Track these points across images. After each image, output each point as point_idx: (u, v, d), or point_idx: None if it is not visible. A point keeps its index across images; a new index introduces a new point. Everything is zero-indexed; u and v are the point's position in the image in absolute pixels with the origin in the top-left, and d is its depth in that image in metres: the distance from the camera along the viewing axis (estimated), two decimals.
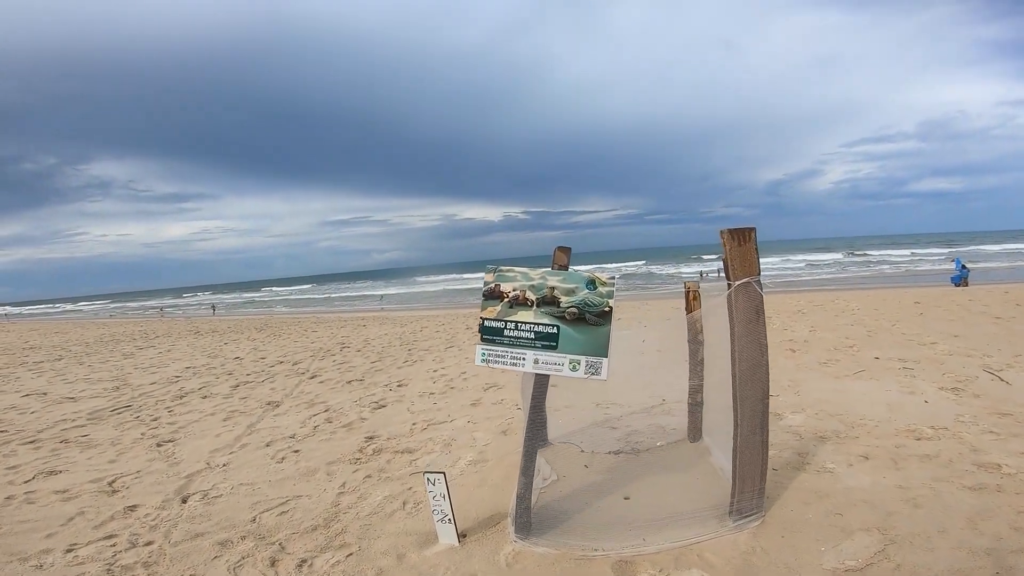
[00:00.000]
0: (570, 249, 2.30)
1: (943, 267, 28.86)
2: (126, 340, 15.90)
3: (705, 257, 56.06)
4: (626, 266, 54.77)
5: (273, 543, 2.90)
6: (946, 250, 43.57)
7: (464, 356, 8.68)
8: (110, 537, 3.09)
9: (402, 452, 4.29)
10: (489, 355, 2.39)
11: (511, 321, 2.34)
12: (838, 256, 46.11)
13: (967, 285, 18.75)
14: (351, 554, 2.74)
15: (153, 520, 3.28)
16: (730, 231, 2.21)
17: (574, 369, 2.30)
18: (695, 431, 3.80)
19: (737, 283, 2.19)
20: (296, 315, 28.39)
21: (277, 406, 6.09)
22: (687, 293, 3.39)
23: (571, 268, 2.37)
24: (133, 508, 3.47)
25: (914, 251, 45.70)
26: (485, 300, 2.39)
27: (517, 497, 2.55)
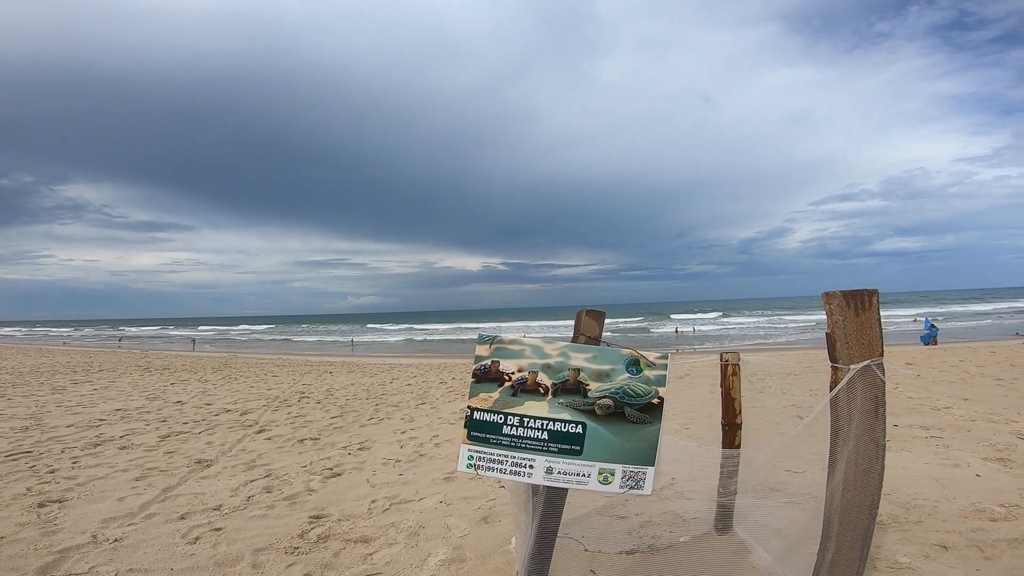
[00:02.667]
0: (604, 314, 1.62)
1: (911, 327, 29.46)
2: (65, 372, 14.46)
3: (674, 316, 56.82)
4: (620, 322, 54.36)
5: None
6: (914, 311, 44.78)
7: (437, 416, 7.81)
8: None
9: (356, 541, 3.39)
10: (479, 459, 1.64)
11: (514, 415, 1.62)
12: (813, 317, 46.48)
13: (936, 344, 19.05)
14: None
15: None
16: (843, 294, 1.55)
17: (605, 482, 1.59)
18: (724, 521, 3.08)
19: (854, 367, 1.53)
20: (260, 356, 26.79)
21: (208, 466, 5.11)
22: (724, 367, 2.73)
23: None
24: None
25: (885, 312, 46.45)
26: (476, 383, 1.66)
27: None
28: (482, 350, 1.67)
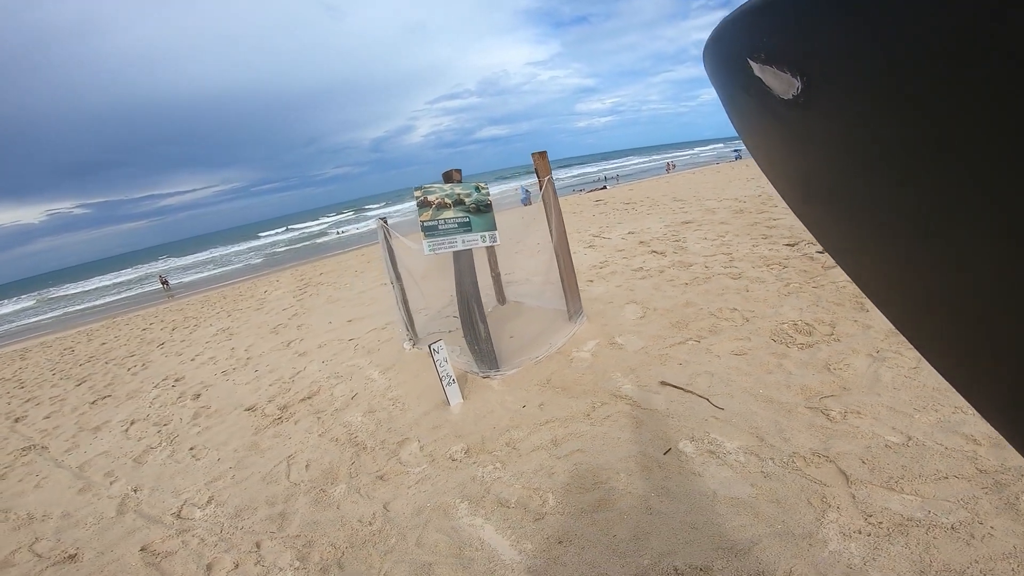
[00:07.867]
0: (460, 170, 3.69)
1: (515, 196, 39.26)
2: None
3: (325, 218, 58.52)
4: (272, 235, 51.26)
5: (342, 477, 3.00)
6: (515, 183, 58.26)
7: (205, 344, 8.01)
8: None
9: (307, 398, 4.34)
10: (434, 245, 3.59)
11: (442, 219, 3.62)
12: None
13: (532, 203, 27.18)
14: (420, 444, 3.09)
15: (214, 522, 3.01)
16: (539, 153, 4.07)
17: (484, 240, 3.77)
18: (501, 297, 5.73)
19: (546, 178, 4.08)
20: None
21: (45, 449, 4.82)
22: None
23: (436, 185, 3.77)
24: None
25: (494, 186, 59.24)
26: (420, 208, 3.55)
27: (482, 340, 3.72)
28: (417, 193, 3.54)
